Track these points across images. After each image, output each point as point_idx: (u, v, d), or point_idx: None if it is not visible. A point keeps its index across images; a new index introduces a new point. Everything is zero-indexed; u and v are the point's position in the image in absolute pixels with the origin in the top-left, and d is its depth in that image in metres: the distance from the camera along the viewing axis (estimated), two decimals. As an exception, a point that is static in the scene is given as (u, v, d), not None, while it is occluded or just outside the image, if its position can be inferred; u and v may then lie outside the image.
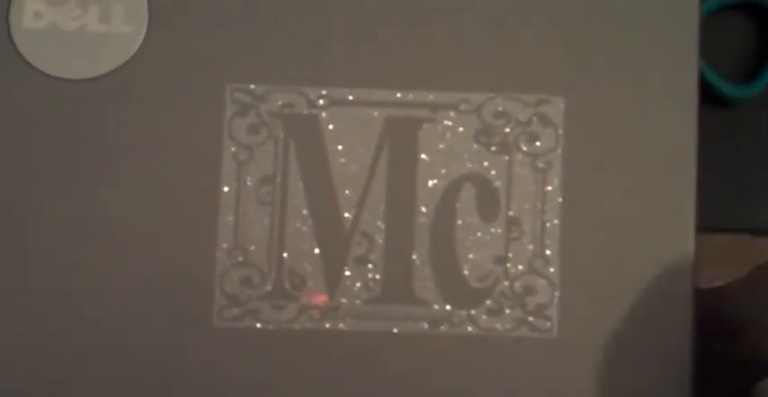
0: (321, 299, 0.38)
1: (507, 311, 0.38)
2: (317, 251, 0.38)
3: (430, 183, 0.38)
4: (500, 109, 0.38)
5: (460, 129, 0.38)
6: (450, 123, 0.38)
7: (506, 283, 0.38)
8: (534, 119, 0.38)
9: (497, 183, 0.38)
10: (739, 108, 0.50)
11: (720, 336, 0.45)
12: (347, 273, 0.38)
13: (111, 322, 0.37)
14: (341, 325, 0.38)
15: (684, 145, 0.38)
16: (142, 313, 0.38)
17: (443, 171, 0.38)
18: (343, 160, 0.38)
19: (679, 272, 0.38)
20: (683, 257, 0.38)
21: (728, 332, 0.45)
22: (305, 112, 0.38)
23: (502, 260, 0.38)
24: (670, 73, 0.39)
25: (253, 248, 0.38)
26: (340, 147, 0.38)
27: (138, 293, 0.38)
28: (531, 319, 0.38)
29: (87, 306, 0.37)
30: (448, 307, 0.38)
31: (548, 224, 0.38)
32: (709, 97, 0.46)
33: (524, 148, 0.38)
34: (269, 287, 0.38)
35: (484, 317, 0.38)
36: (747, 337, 0.45)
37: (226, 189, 0.38)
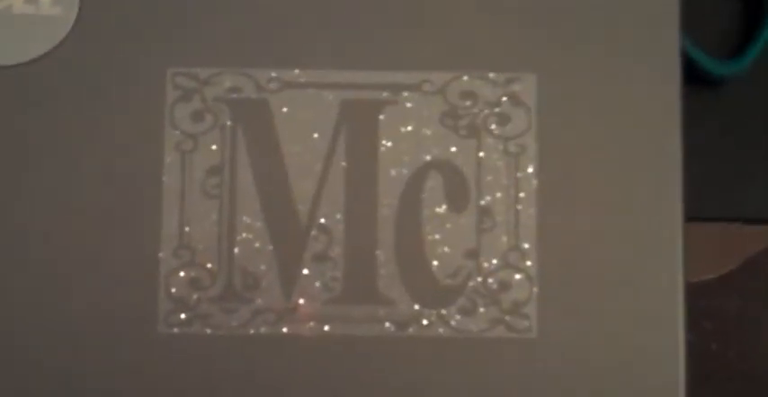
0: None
1: (481, 309, 0.37)
2: (270, 248, 0.37)
3: (392, 172, 0.37)
4: (467, 88, 0.37)
5: (424, 112, 0.37)
6: (412, 105, 0.37)
7: (479, 279, 0.37)
8: (504, 98, 0.37)
9: (466, 170, 0.37)
10: (725, 87, 0.49)
11: (715, 334, 0.44)
12: (305, 272, 0.37)
13: (43, 329, 0.36)
14: (299, 329, 0.36)
15: (669, 124, 0.38)
16: (78, 318, 0.36)
17: (407, 158, 0.37)
18: (296, 148, 0.37)
19: (668, 265, 0.37)
20: (672, 248, 0.37)
21: (724, 330, 0.44)
22: (253, 96, 0.37)
23: (474, 254, 0.37)
24: (650, 47, 0.38)
25: (200, 246, 0.37)
26: (293, 134, 0.37)
27: (74, 297, 0.36)
28: (507, 318, 0.37)
29: (16, 310, 0.36)
30: (416, 307, 0.37)
31: (523, 214, 0.37)
32: (692, 76, 0.45)
33: (495, 131, 0.37)
34: (219, 289, 0.36)
35: (456, 317, 0.37)
36: (744, 334, 0.44)
37: (169, 182, 0.37)
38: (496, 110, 0.37)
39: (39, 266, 0.36)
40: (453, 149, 0.37)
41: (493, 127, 0.37)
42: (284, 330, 0.36)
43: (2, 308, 0.36)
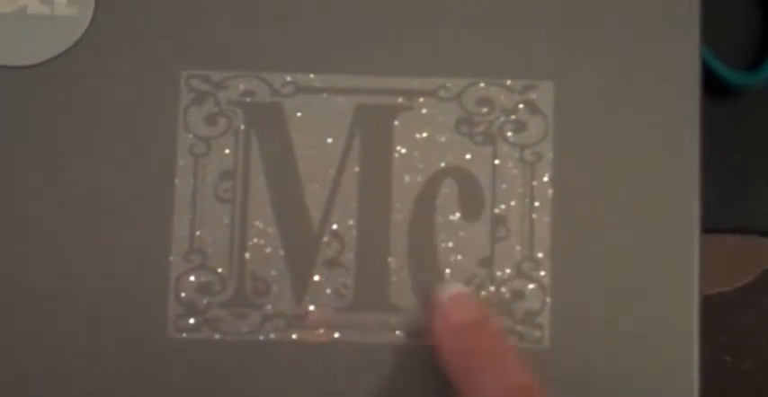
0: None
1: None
2: (282, 253, 0.36)
3: (407, 178, 0.37)
4: (483, 95, 0.37)
5: (440, 118, 0.37)
6: (427, 111, 0.37)
7: (492, 288, 0.36)
8: (521, 106, 0.37)
9: (481, 178, 0.37)
10: (745, 99, 0.49)
11: (729, 346, 0.44)
12: (316, 278, 0.36)
13: (53, 331, 0.36)
14: (309, 336, 0.36)
15: (687, 135, 0.37)
16: (88, 321, 0.36)
17: (421, 164, 0.37)
18: (310, 153, 0.37)
19: (683, 276, 0.37)
20: (688, 259, 0.37)
21: (738, 343, 0.44)
22: (268, 100, 0.37)
23: (487, 263, 0.37)
24: (670, 58, 0.37)
25: (211, 250, 0.36)
26: (307, 139, 0.37)
27: (84, 299, 0.36)
28: (519, 328, 0.36)
29: (26, 312, 0.36)
30: (427, 316, 0.36)
31: (537, 224, 0.37)
32: (711, 85, 0.45)
33: (511, 138, 0.37)
34: (229, 294, 0.36)
35: None
36: (759, 348, 0.44)
37: (181, 185, 0.36)
38: (513, 117, 0.37)
39: (49, 268, 0.36)
40: (468, 156, 0.37)
41: (509, 134, 0.37)
42: (294, 336, 0.36)
43: (12, 309, 0.36)
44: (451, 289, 0.35)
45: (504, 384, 0.33)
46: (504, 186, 0.36)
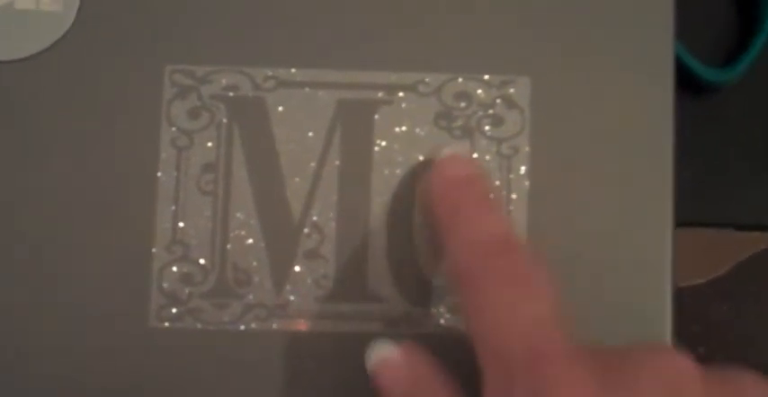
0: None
1: None
2: (263, 244, 0.36)
3: (386, 171, 0.37)
4: (461, 90, 0.37)
5: (419, 113, 0.37)
6: (407, 106, 0.37)
7: None
8: (498, 100, 0.37)
9: None
10: (720, 94, 0.49)
11: (703, 338, 0.44)
12: (296, 269, 0.36)
13: (35, 323, 0.36)
14: (289, 325, 0.36)
15: (661, 129, 0.37)
16: (71, 312, 0.36)
17: (401, 158, 0.37)
18: (291, 146, 0.37)
19: (657, 269, 0.37)
20: (662, 253, 0.37)
21: (711, 334, 0.44)
22: (250, 95, 0.37)
23: None
24: (644, 54, 0.37)
25: (193, 242, 0.36)
26: (288, 133, 0.37)
27: (66, 290, 0.36)
28: None
29: (8, 304, 0.36)
30: (406, 305, 0.36)
31: (514, 216, 0.37)
32: (685, 81, 0.45)
33: (488, 132, 0.37)
34: (211, 285, 0.36)
35: (446, 315, 0.36)
36: (732, 339, 0.44)
37: (164, 177, 0.36)
38: (490, 111, 0.37)
39: (32, 259, 0.36)
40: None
41: (486, 128, 0.37)
42: (275, 326, 0.36)
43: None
44: (452, 148, 0.36)
45: (482, 234, 0.32)
46: (481, 179, 0.36)
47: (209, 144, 0.36)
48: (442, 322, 0.36)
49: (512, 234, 0.33)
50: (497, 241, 0.32)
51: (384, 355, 0.34)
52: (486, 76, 0.37)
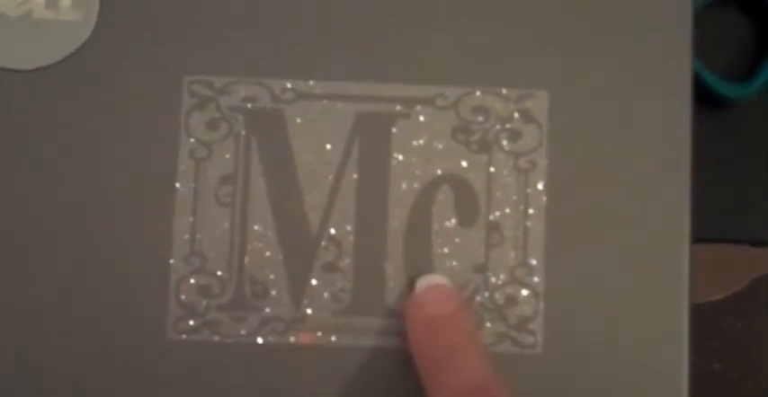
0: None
1: (488, 324, 0.36)
2: (280, 257, 0.36)
3: (404, 184, 0.37)
4: (479, 104, 0.37)
5: (436, 126, 0.37)
6: (425, 119, 0.37)
7: (486, 294, 0.36)
8: (516, 114, 0.37)
9: (477, 185, 0.37)
10: (737, 110, 0.49)
11: (719, 354, 0.44)
12: (314, 282, 0.36)
13: (53, 333, 0.36)
14: (306, 339, 0.36)
15: (679, 144, 0.37)
16: (88, 322, 0.36)
17: (418, 171, 0.37)
18: (309, 158, 0.37)
19: (674, 284, 0.37)
20: (679, 268, 0.37)
21: (728, 351, 0.44)
22: (268, 106, 0.37)
23: (482, 269, 0.37)
24: (662, 68, 0.38)
25: (211, 254, 0.36)
26: (306, 145, 0.37)
27: (84, 301, 0.36)
28: (513, 333, 0.36)
29: (26, 313, 0.36)
30: None
31: (531, 231, 0.37)
32: (704, 97, 0.44)
33: (506, 147, 0.37)
34: (228, 297, 0.36)
35: None
36: (748, 355, 0.44)
37: (182, 188, 0.36)
38: (508, 125, 0.37)
39: (51, 270, 0.36)
40: (464, 164, 0.37)
41: (504, 142, 0.37)
42: (292, 339, 0.36)
43: (13, 311, 0.36)
44: (429, 280, 0.36)
45: (461, 382, 0.33)
46: (498, 193, 0.37)
47: (228, 155, 0.36)
48: (458, 336, 0.36)
49: (493, 380, 0.33)
50: (478, 387, 0.32)
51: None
52: (504, 90, 0.37)
